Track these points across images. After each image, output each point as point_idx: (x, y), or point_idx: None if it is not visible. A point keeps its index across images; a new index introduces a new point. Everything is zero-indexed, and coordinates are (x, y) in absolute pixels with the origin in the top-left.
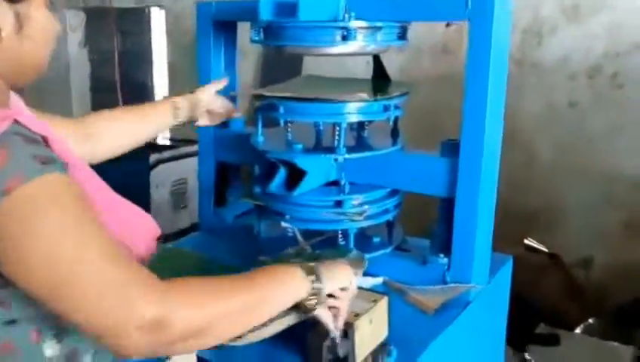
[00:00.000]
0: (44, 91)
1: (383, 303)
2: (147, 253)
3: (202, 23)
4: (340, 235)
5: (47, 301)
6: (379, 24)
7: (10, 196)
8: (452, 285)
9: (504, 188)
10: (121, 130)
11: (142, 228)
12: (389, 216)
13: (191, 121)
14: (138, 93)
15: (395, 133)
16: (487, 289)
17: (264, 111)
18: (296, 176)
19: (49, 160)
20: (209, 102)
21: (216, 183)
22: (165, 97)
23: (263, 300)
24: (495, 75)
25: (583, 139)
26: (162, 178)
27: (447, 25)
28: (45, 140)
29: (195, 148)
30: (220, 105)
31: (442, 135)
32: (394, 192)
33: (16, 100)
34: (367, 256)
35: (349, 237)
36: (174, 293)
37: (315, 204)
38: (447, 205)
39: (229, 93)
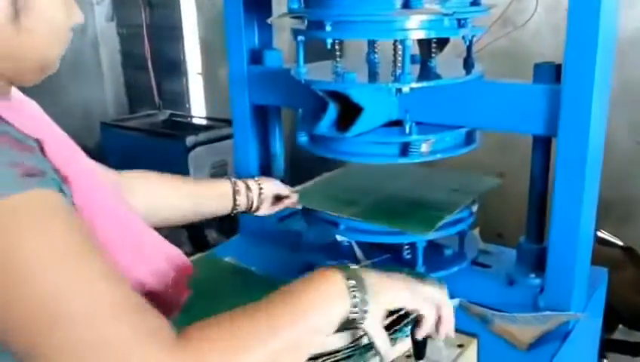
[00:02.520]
0: (75, 68)
1: (472, 349)
2: (175, 296)
3: None
4: (406, 248)
5: (33, 351)
6: None
7: None
8: (548, 313)
9: None
10: (167, 213)
11: (167, 264)
12: (464, 226)
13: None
14: (170, 69)
15: (469, 63)
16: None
17: (306, 32)
18: (349, 114)
19: (35, 172)
20: (273, 190)
21: (256, 146)
22: (226, 177)
23: (310, 329)
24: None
25: None
26: (201, 161)
27: None
28: (40, 145)
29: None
30: (282, 192)
31: None
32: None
33: (18, 100)
34: (439, 274)
35: (418, 251)
36: (195, 346)
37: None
38: (539, 207)
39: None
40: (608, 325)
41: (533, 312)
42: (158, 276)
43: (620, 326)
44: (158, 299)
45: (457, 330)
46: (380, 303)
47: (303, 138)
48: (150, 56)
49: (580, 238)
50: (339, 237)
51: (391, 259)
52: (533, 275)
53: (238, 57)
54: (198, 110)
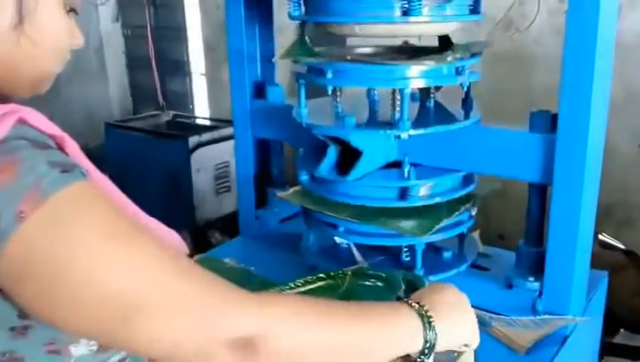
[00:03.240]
0: (79, 69)
1: (470, 352)
2: None
3: None
4: (405, 250)
5: (111, 338)
6: None
7: (26, 223)
8: (547, 317)
9: None
10: None
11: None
12: (464, 228)
13: None
14: (174, 70)
15: (467, 104)
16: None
17: (307, 77)
18: (349, 157)
19: (69, 166)
20: None
21: (257, 172)
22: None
23: (375, 343)
24: (606, 16)
25: None
26: (203, 162)
27: None
28: (57, 142)
29: None
30: None
31: (501, 121)
32: (469, 198)
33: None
34: (438, 277)
35: (417, 253)
36: (273, 306)
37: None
38: (538, 211)
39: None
40: (609, 329)
41: (531, 316)
42: None
43: (622, 330)
44: None
45: None
46: (442, 343)
47: (304, 177)
48: (154, 57)
49: (579, 242)
50: (337, 240)
51: (389, 261)
52: (531, 279)
53: (241, 91)
54: (202, 111)
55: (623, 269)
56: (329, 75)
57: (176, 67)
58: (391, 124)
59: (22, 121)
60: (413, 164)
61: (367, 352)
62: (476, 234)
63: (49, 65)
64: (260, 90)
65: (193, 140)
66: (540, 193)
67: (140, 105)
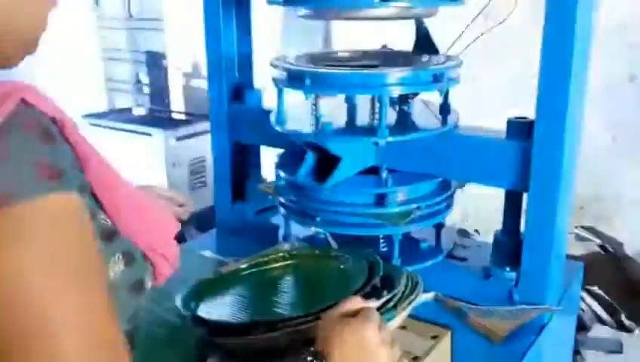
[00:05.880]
0: None
1: (446, 341)
2: (170, 255)
3: None
4: (382, 240)
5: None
6: None
7: None
8: (523, 307)
9: None
10: None
11: (162, 225)
12: (441, 218)
13: None
14: (150, 62)
15: (445, 110)
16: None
17: (286, 83)
18: (327, 163)
19: (54, 174)
20: None
21: (233, 170)
22: None
23: None
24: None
25: None
26: (179, 157)
27: None
28: (58, 126)
29: None
30: None
31: (481, 119)
32: (445, 186)
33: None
34: (415, 267)
35: (394, 244)
36: None
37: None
38: (515, 202)
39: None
40: (585, 323)
41: (508, 306)
42: (165, 238)
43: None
44: (167, 258)
45: (432, 322)
46: None
47: (281, 182)
48: (130, 50)
49: (555, 231)
50: (314, 230)
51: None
52: (508, 269)
53: (218, 94)
54: (178, 105)
55: (601, 265)
56: (307, 82)
57: (152, 60)
58: (369, 131)
59: (24, 102)
60: (390, 170)
61: None
62: (453, 226)
63: (36, 24)
64: (238, 94)
65: (168, 134)
66: (515, 201)
67: (115, 99)
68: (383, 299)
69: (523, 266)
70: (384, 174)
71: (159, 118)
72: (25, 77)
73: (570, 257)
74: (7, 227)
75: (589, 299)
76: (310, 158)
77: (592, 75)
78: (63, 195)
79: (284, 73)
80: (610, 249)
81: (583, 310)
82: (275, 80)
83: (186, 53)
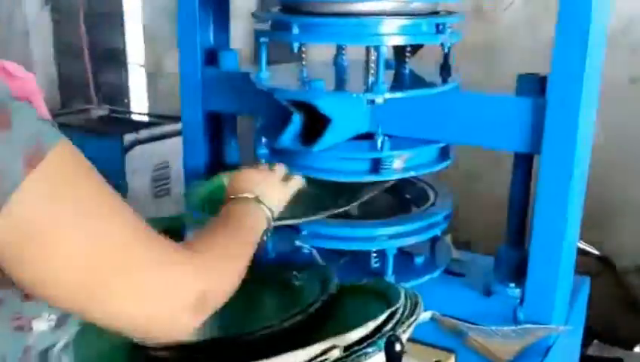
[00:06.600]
0: (1, 57)
1: None
2: None
3: None
4: (374, 255)
5: (81, 306)
6: None
7: (26, 180)
8: (528, 326)
9: None
10: None
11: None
12: (437, 231)
13: None
14: (109, 60)
15: (446, 69)
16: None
17: (270, 34)
18: (315, 127)
19: (51, 122)
20: None
21: (207, 163)
22: None
23: (254, 247)
24: None
25: None
26: (140, 162)
27: None
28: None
29: (178, 126)
30: None
31: None
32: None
33: None
34: (410, 284)
35: (387, 259)
36: (208, 261)
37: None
38: (519, 213)
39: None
40: (583, 341)
41: (512, 325)
42: None
43: (596, 341)
44: None
45: (433, 345)
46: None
47: (262, 150)
48: (87, 45)
49: (565, 244)
50: (298, 243)
51: (357, 267)
52: (512, 285)
53: (190, 57)
54: (140, 106)
55: (598, 278)
56: (295, 31)
57: (111, 57)
58: (364, 88)
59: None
60: (386, 135)
61: (252, 247)
62: (448, 238)
63: None
64: (212, 57)
65: (129, 138)
66: (524, 186)
67: (69, 99)
68: (379, 320)
69: (529, 280)
70: (380, 139)
71: (119, 119)
72: None
73: None
74: (46, 178)
75: None
76: (297, 120)
77: None
78: (66, 140)
79: (269, 23)
80: (610, 260)
81: None
82: (257, 32)
83: (148, 49)
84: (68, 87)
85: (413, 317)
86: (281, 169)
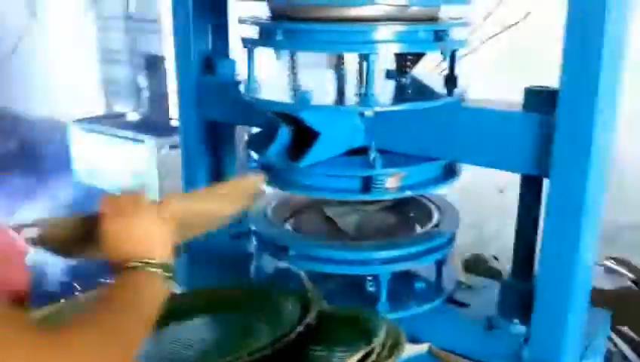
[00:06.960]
0: None
1: None
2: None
3: None
4: (369, 278)
5: None
6: None
7: None
8: None
9: None
10: None
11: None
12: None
13: None
14: (149, 65)
15: (451, 80)
16: None
17: (254, 41)
18: (305, 141)
19: None
20: None
21: (206, 172)
22: None
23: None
24: None
25: None
26: (172, 165)
27: None
28: None
29: None
30: None
31: None
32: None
33: None
34: (407, 314)
35: (381, 284)
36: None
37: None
38: (527, 239)
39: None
40: None
41: None
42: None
43: None
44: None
45: None
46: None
47: (253, 164)
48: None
49: (577, 275)
50: (285, 265)
51: (351, 292)
52: (516, 321)
53: (186, 65)
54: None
55: (633, 301)
56: (279, 37)
57: (151, 63)
58: (356, 100)
59: None
60: (381, 151)
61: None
62: (457, 261)
63: None
64: (209, 65)
65: (163, 142)
66: (533, 211)
67: (110, 103)
68: (355, 359)
69: (534, 317)
70: (373, 155)
71: (155, 124)
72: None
73: (597, 292)
74: None
75: (617, 341)
76: (285, 134)
77: (631, 95)
78: None
79: (257, 30)
80: None
81: (610, 351)
82: (244, 39)
83: None
84: (110, 92)
85: (391, 360)
86: (141, 197)
